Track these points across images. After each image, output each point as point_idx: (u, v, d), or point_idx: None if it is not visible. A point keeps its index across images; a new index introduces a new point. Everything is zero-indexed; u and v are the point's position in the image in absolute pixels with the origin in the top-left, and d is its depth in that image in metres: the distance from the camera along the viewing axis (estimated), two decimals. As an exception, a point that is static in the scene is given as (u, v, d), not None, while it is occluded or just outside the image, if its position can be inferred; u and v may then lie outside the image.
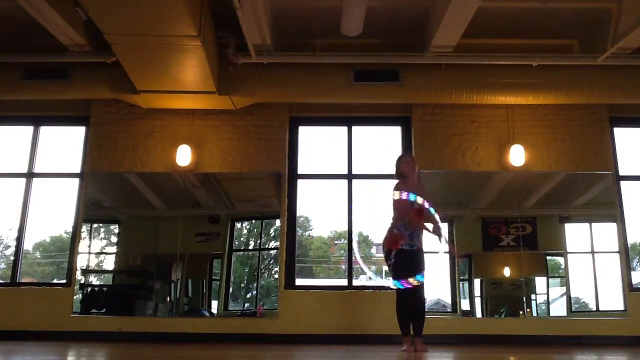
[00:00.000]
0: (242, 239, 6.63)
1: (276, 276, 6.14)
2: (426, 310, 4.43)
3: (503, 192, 6.35)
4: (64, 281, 6.20)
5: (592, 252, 6.22)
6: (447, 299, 6.13)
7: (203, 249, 6.32)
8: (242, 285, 6.57)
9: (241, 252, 6.61)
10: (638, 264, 8.65)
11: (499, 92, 5.99)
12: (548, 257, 6.36)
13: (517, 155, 6.15)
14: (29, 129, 6.63)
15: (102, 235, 6.69)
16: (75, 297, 6.04)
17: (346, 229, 6.37)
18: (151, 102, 6.17)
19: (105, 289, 6.43)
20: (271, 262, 6.47)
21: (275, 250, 6.25)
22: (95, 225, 6.52)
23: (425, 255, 4.46)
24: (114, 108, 6.40)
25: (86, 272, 6.24)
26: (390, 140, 6.61)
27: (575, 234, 6.31)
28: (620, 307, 5.92)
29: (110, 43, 5.08)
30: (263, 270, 6.55)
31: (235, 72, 5.92)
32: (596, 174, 6.23)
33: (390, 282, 4.33)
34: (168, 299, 6.14)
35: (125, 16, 4.67)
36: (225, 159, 6.32)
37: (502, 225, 6.20)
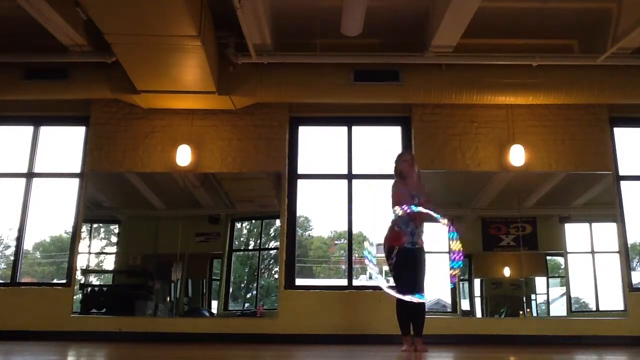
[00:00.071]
0: (242, 239, 6.63)
1: (276, 276, 6.14)
2: (426, 310, 4.42)
3: (503, 192, 6.35)
4: (64, 281, 6.20)
5: (592, 252, 6.22)
6: (447, 299, 6.13)
7: (203, 249, 6.32)
8: (242, 285, 6.57)
9: (241, 252, 6.61)
10: (638, 264, 8.65)
11: (499, 92, 5.99)
12: (548, 257, 6.36)
13: (517, 155, 6.15)
14: (29, 129, 6.63)
15: (102, 235, 6.69)
16: (75, 297, 6.05)
17: (346, 229, 6.37)
18: (151, 102, 6.17)
19: (105, 289, 6.43)
20: (271, 262, 6.47)
21: (275, 250, 6.25)
22: (95, 225, 6.52)
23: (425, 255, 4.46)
24: (114, 108, 6.40)
25: (86, 272, 6.24)
26: (390, 140, 6.61)
27: (575, 234, 6.31)
28: (620, 307, 5.92)
29: (110, 43, 5.08)
30: (263, 270, 6.55)
31: (235, 72, 5.92)
32: (596, 174, 6.23)
33: (383, 284, 4.31)
34: (168, 299, 6.14)
35: (125, 16, 4.67)
36: (225, 159, 6.32)
37: (502, 225, 6.20)
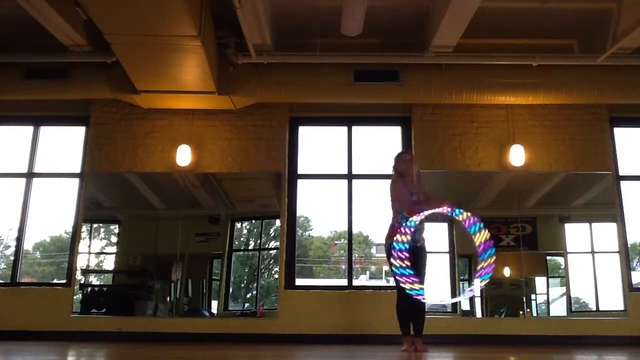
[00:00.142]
0: (242, 239, 6.63)
1: (276, 276, 6.14)
2: (426, 310, 4.42)
3: (503, 192, 6.35)
4: (64, 281, 6.20)
5: (592, 252, 6.22)
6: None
7: (203, 249, 6.32)
8: (242, 285, 6.57)
9: (241, 252, 6.61)
10: (638, 264, 8.65)
11: (499, 92, 5.99)
12: (548, 257, 6.36)
13: (517, 155, 6.15)
14: (29, 129, 6.63)
15: (102, 235, 6.69)
16: (75, 297, 6.05)
17: (346, 229, 6.37)
18: (151, 102, 6.17)
19: (105, 289, 6.43)
20: (271, 262, 6.47)
21: (275, 250, 6.25)
22: (95, 225, 6.52)
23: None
24: (114, 108, 6.40)
25: (86, 272, 6.24)
26: (390, 140, 6.61)
27: (575, 234, 6.31)
28: (620, 307, 5.92)
29: (110, 43, 5.08)
30: (263, 270, 6.55)
31: (235, 72, 5.92)
32: (596, 174, 6.24)
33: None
34: (168, 299, 6.14)
35: (125, 16, 4.67)
36: (225, 159, 6.32)
37: (502, 225, 6.20)
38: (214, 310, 6.20)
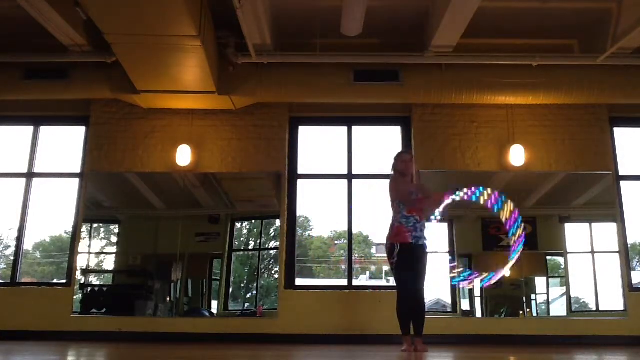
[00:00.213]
0: (242, 239, 6.63)
1: (276, 276, 6.14)
2: (426, 310, 4.42)
3: (503, 192, 6.31)
4: (64, 281, 6.20)
5: (592, 252, 6.22)
6: (447, 299, 6.13)
7: (203, 249, 6.32)
8: (242, 285, 6.57)
9: (241, 252, 6.61)
10: (638, 264, 8.65)
11: (499, 92, 5.99)
12: (548, 257, 6.35)
13: (517, 155, 6.15)
14: (29, 129, 6.63)
15: (102, 235, 6.69)
16: (75, 297, 6.04)
17: (346, 229, 6.37)
18: (151, 102, 6.17)
19: (105, 289, 6.42)
20: (271, 262, 6.47)
21: (275, 250, 6.25)
22: (95, 225, 6.52)
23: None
24: (114, 108, 6.40)
25: (86, 272, 6.24)
26: (390, 140, 6.61)
27: (575, 234, 6.31)
28: (620, 307, 5.92)
29: (110, 43, 5.08)
30: (263, 270, 6.55)
31: (235, 72, 5.92)
32: (596, 174, 6.23)
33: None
34: (168, 299, 6.14)
35: (125, 16, 4.67)
36: (225, 159, 6.32)
37: (502, 225, 6.18)
38: (214, 310, 6.20)
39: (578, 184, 6.26)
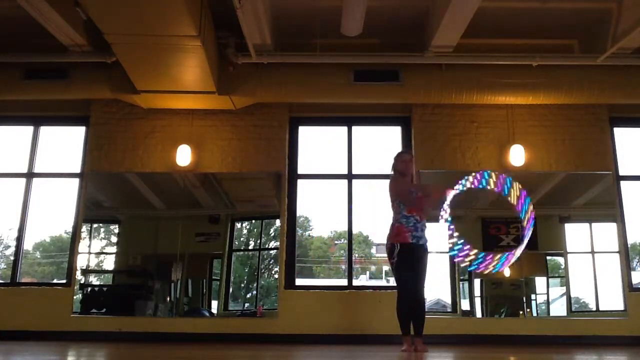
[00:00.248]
0: (242, 239, 6.63)
1: (276, 276, 6.14)
2: (426, 310, 4.42)
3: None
4: (64, 281, 6.20)
5: (592, 252, 6.22)
6: (447, 299, 6.13)
7: (203, 249, 6.32)
8: (242, 285, 6.57)
9: (241, 252, 6.61)
10: (638, 264, 8.66)
11: (499, 92, 5.99)
12: (548, 257, 6.35)
13: (517, 155, 6.15)
14: (29, 129, 6.63)
15: (102, 235, 6.69)
16: (75, 297, 6.04)
17: (346, 229, 6.37)
18: (151, 102, 6.17)
19: (105, 289, 6.42)
20: (271, 262, 6.47)
21: (275, 250, 6.25)
22: (95, 225, 6.52)
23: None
24: (114, 108, 6.40)
25: (86, 272, 6.24)
26: (390, 140, 6.61)
27: (575, 234, 6.31)
28: (620, 307, 5.92)
29: (110, 43, 5.08)
30: (263, 270, 6.55)
31: (235, 72, 5.92)
32: (596, 174, 6.24)
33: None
34: (168, 299, 6.14)
35: (125, 16, 4.67)
36: (225, 159, 6.32)
37: (502, 225, 6.20)
38: (214, 310, 6.20)
39: (578, 184, 6.26)
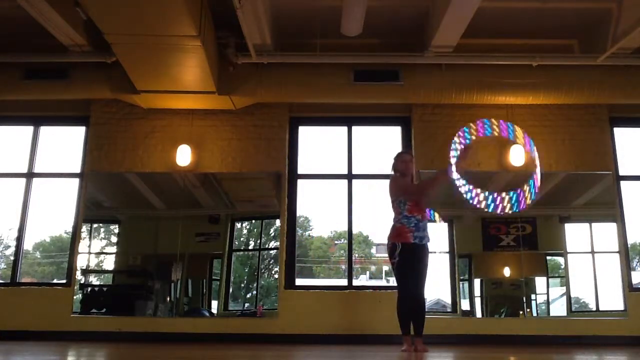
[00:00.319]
0: (242, 239, 6.63)
1: (276, 276, 6.14)
2: (426, 310, 4.42)
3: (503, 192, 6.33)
4: (64, 281, 6.20)
5: (592, 252, 6.22)
6: (447, 299, 6.13)
7: (203, 249, 6.32)
8: (242, 285, 6.57)
9: (241, 252, 6.61)
10: (638, 264, 8.66)
11: (499, 92, 5.99)
12: (548, 257, 6.36)
13: (517, 155, 6.15)
14: (29, 129, 6.63)
15: (102, 235, 6.69)
16: (75, 297, 6.04)
17: (346, 229, 6.37)
18: (151, 102, 6.17)
19: (105, 289, 6.42)
20: (271, 262, 6.47)
21: (275, 250, 6.25)
22: (95, 225, 6.52)
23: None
24: (114, 108, 6.40)
25: (86, 272, 6.24)
26: (390, 140, 6.61)
27: (575, 234, 6.32)
28: (620, 307, 5.92)
29: (110, 43, 5.08)
30: (263, 270, 6.55)
31: (235, 72, 5.92)
32: (596, 174, 6.24)
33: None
34: (168, 299, 6.14)
35: (125, 16, 4.67)
36: (225, 159, 6.32)
37: (502, 225, 6.20)
38: (214, 310, 6.20)
39: (578, 184, 6.26)
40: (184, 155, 6.20)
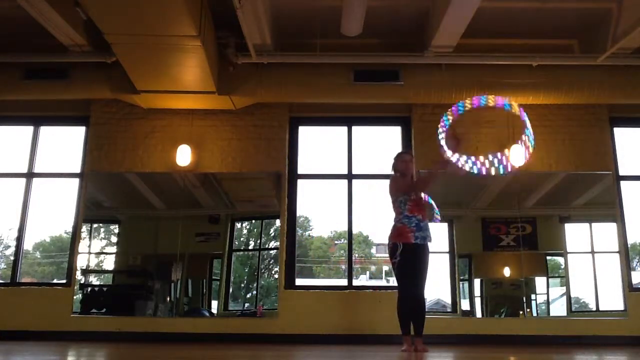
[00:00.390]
0: (242, 239, 6.63)
1: (276, 276, 6.14)
2: (426, 310, 4.41)
3: (503, 192, 6.35)
4: (64, 281, 6.20)
5: (592, 252, 6.22)
6: (447, 299, 6.13)
7: (203, 249, 6.32)
8: (242, 285, 6.57)
9: (241, 252, 6.61)
10: (638, 264, 8.66)
11: (499, 92, 5.92)
12: (548, 257, 6.36)
13: (517, 156, 6.13)
14: (29, 129, 6.63)
15: (102, 235, 6.69)
16: (75, 297, 6.04)
17: (346, 229, 6.37)
18: (151, 102, 6.17)
19: (105, 289, 6.42)
20: (271, 262, 6.47)
21: (275, 250, 6.25)
22: (95, 225, 6.52)
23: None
24: (114, 108, 6.41)
25: (86, 272, 6.24)
26: (390, 140, 6.61)
27: (575, 234, 6.31)
28: (620, 307, 5.92)
29: (110, 43, 5.08)
30: (263, 270, 6.55)
31: (235, 72, 5.92)
32: (596, 174, 6.24)
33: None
34: (168, 299, 6.14)
35: (125, 16, 4.67)
36: (225, 159, 6.32)
37: (502, 225, 6.20)
38: (214, 310, 6.20)
39: (578, 184, 6.26)
40: (184, 155, 6.20)
